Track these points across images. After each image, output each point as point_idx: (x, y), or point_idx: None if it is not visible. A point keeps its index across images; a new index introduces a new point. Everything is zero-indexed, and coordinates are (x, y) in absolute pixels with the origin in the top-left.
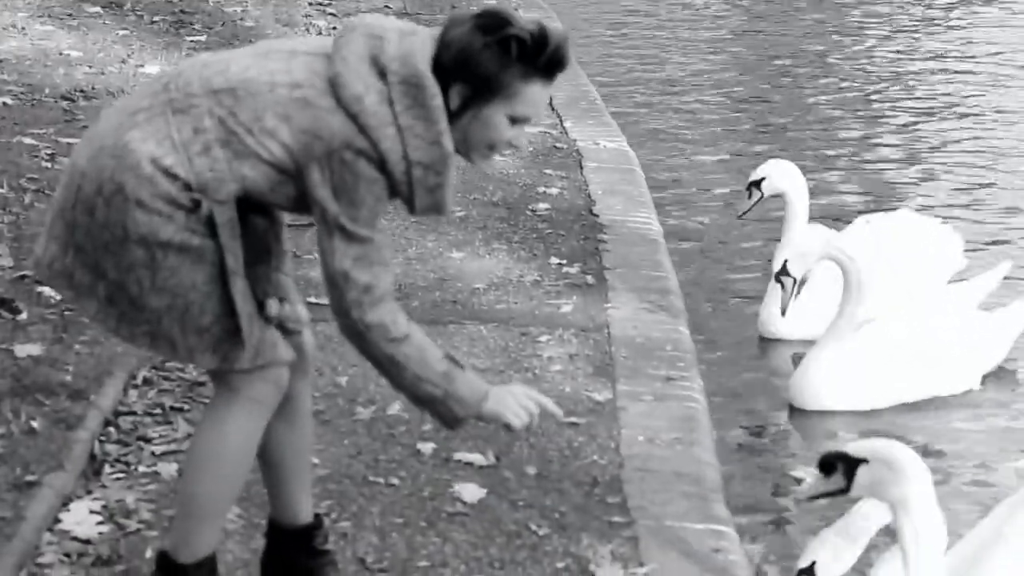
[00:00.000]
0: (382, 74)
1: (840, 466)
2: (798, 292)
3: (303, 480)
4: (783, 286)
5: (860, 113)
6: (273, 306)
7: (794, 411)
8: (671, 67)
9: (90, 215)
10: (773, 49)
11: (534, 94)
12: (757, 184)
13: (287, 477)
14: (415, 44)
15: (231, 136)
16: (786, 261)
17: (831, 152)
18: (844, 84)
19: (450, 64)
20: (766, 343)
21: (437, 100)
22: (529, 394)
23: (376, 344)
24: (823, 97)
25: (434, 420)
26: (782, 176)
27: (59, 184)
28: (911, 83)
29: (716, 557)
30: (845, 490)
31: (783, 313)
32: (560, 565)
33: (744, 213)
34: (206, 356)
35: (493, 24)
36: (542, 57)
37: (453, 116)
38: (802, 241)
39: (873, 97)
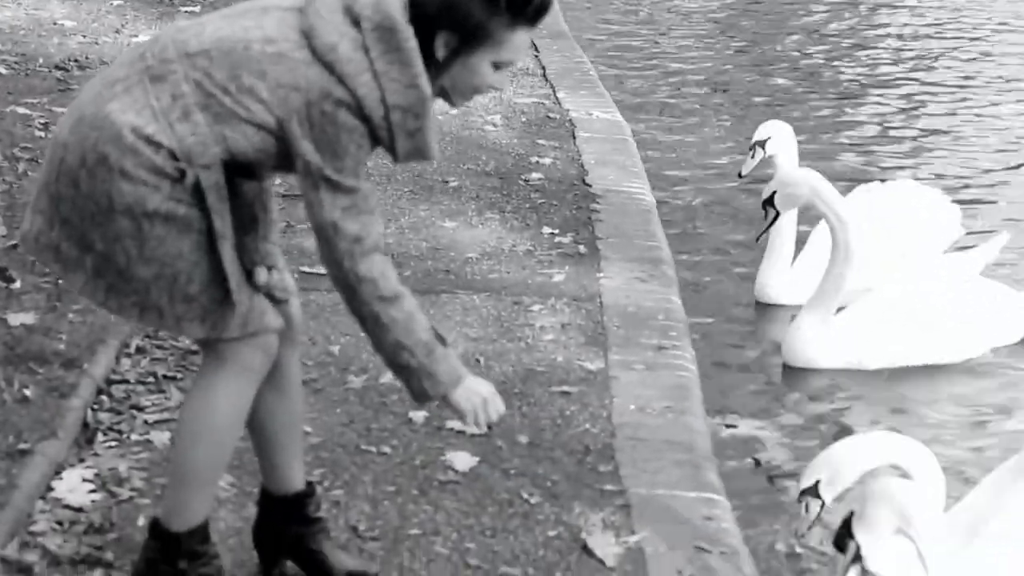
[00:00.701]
0: (355, 22)
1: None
2: (771, 225)
3: (294, 448)
4: (766, 215)
5: (855, 83)
6: (262, 274)
7: (787, 369)
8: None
9: (74, 187)
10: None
11: (519, 40)
12: (761, 144)
13: (278, 446)
14: None
15: (209, 99)
16: (774, 193)
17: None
18: (845, 55)
19: (435, 13)
20: (763, 308)
21: (411, 43)
22: (495, 403)
23: (365, 300)
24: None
25: (405, 390)
26: (779, 137)
27: (44, 159)
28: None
29: (708, 525)
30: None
31: (756, 240)
32: (552, 533)
33: (747, 173)
34: (194, 325)
35: None
36: (530, 6)
37: (441, 65)
38: (794, 178)
39: (876, 69)
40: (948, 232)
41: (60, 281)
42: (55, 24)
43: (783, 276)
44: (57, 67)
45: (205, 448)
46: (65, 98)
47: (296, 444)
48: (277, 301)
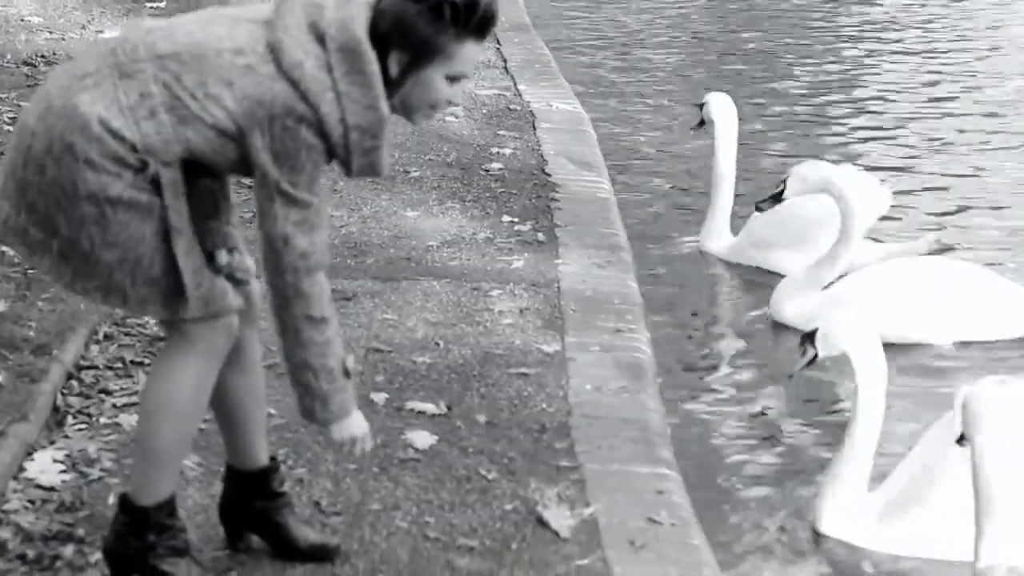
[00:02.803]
0: (320, 40)
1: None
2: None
3: (258, 425)
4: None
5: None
6: (223, 257)
7: (775, 325)
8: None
9: (40, 174)
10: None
11: (469, 52)
12: (700, 106)
13: (241, 423)
14: (352, 10)
15: (176, 101)
16: (786, 180)
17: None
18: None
19: (387, 32)
20: (703, 257)
21: (373, 66)
22: (363, 443)
23: (294, 314)
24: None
25: (296, 402)
26: (717, 106)
27: (9, 144)
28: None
29: (660, 498)
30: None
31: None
32: (508, 507)
33: (694, 129)
34: (157, 307)
35: None
36: (474, 18)
37: (395, 82)
38: (808, 169)
39: (838, 55)
40: (878, 208)
41: (31, 270)
42: (22, 20)
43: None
44: (24, 63)
45: (170, 425)
46: (32, 93)
47: (259, 421)
48: (238, 282)
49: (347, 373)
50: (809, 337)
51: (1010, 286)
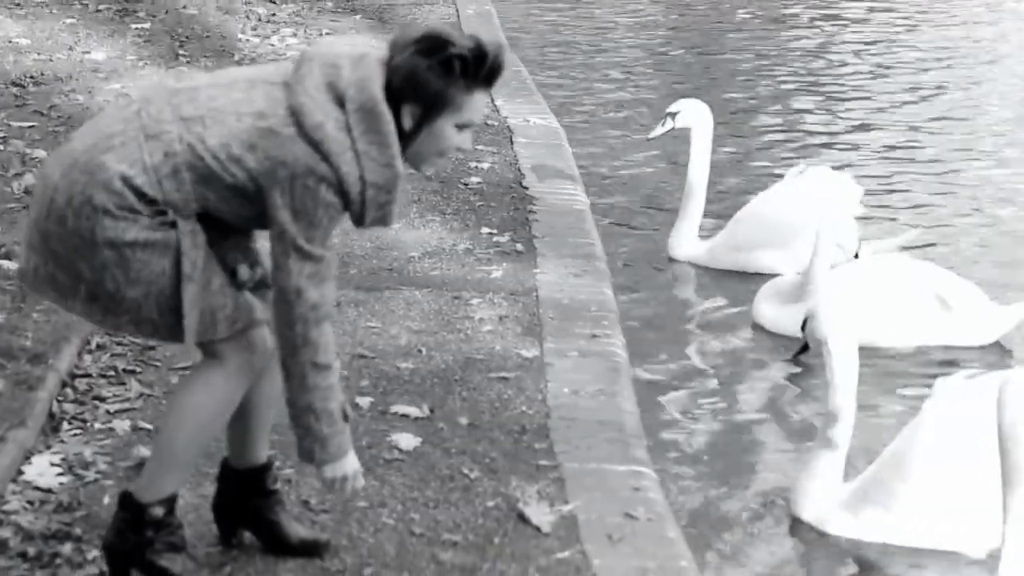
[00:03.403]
0: (339, 101)
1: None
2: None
3: (265, 426)
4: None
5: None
6: (244, 272)
7: (754, 326)
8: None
9: (61, 225)
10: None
11: (477, 102)
12: (673, 115)
13: (251, 424)
14: (368, 70)
15: (199, 161)
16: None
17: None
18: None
19: (400, 87)
20: (674, 264)
21: (390, 126)
22: (354, 481)
23: (301, 361)
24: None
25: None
26: (692, 113)
27: (32, 198)
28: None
29: (636, 494)
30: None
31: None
32: (490, 503)
33: (654, 136)
34: (187, 332)
35: (434, 46)
36: (482, 71)
37: (408, 135)
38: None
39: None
40: (852, 206)
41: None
42: (10, 42)
43: (693, 238)
44: (14, 83)
45: (189, 434)
46: (22, 112)
47: (267, 420)
48: (264, 287)
49: (346, 417)
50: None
51: (975, 293)
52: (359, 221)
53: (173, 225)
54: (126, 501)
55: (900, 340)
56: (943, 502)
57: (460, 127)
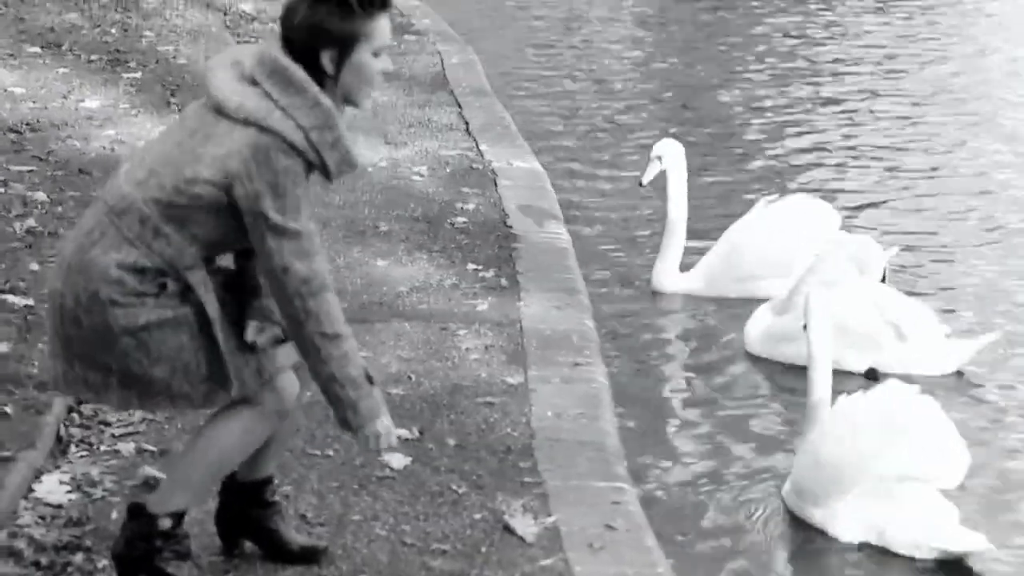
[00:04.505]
0: (252, 81)
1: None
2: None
3: (282, 448)
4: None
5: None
6: (251, 331)
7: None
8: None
9: (77, 326)
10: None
11: (382, 25)
12: (659, 158)
13: (273, 445)
14: (263, 46)
15: (169, 208)
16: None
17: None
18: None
19: (307, 39)
20: (658, 296)
21: (300, 72)
22: (389, 436)
23: (309, 334)
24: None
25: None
26: (667, 153)
27: (46, 313)
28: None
29: (616, 508)
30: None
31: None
32: (477, 516)
33: (647, 183)
34: (220, 395)
35: None
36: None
37: (334, 77)
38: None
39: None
40: (830, 231)
41: (30, 316)
42: (5, 91)
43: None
44: (11, 130)
45: (212, 464)
46: (20, 158)
47: (285, 444)
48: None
49: (371, 380)
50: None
51: (932, 322)
52: (325, 171)
53: (181, 299)
54: (137, 511)
55: (858, 367)
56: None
57: (376, 53)
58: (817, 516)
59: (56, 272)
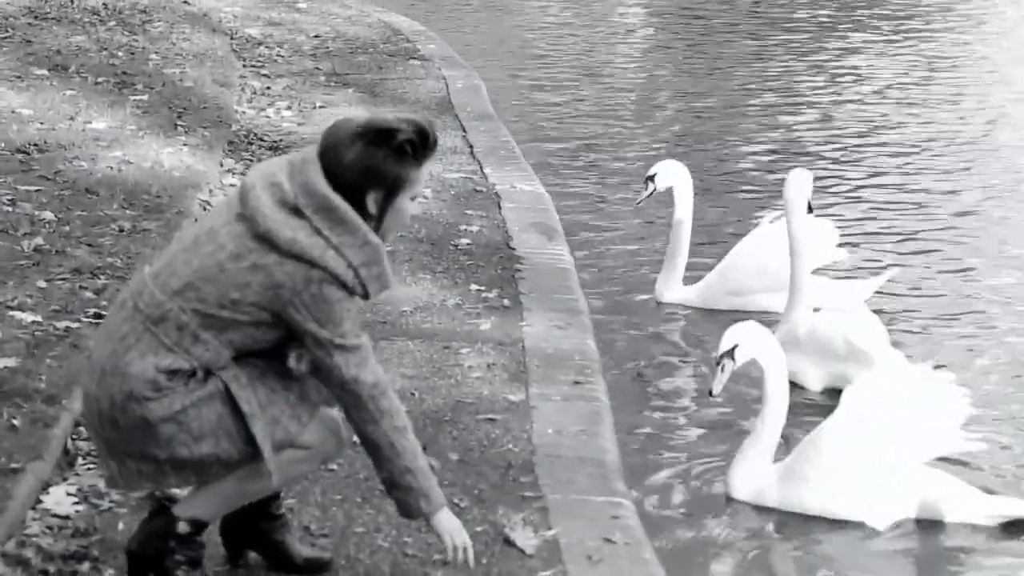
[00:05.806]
0: (296, 211)
1: (725, 359)
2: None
3: None
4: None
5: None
6: (292, 359)
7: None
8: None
9: (115, 427)
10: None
11: (424, 173)
12: (651, 178)
13: None
14: (305, 175)
15: (209, 319)
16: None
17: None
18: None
19: (357, 179)
20: (661, 306)
21: (351, 211)
22: (463, 534)
23: (386, 431)
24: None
25: (397, 507)
26: (672, 173)
27: (83, 419)
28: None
29: (615, 522)
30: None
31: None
32: (479, 529)
33: (640, 202)
34: (268, 449)
35: (381, 136)
36: (428, 148)
37: (376, 218)
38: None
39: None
40: (822, 254)
41: (38, 332)
42: (13, 112)
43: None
44: (18, 151)
45: (245, 493)
46: (28, 177)
47: None
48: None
49: (432, 469)
50: (728, 354)
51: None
52: (366, 296)
53: (205, 376)
54: (160, 510)
55: (816, 387)
56: (850, 477)
57: (413, 198)
58: (841, 507)
59: (89, 376)
